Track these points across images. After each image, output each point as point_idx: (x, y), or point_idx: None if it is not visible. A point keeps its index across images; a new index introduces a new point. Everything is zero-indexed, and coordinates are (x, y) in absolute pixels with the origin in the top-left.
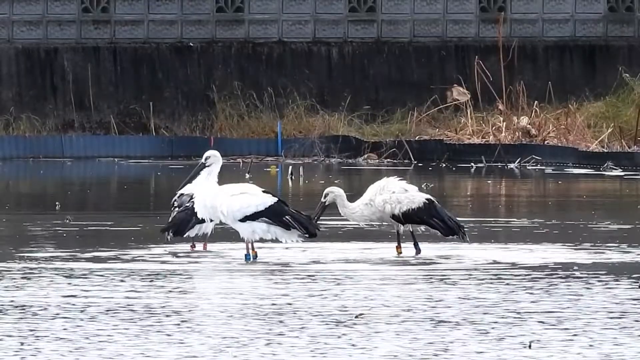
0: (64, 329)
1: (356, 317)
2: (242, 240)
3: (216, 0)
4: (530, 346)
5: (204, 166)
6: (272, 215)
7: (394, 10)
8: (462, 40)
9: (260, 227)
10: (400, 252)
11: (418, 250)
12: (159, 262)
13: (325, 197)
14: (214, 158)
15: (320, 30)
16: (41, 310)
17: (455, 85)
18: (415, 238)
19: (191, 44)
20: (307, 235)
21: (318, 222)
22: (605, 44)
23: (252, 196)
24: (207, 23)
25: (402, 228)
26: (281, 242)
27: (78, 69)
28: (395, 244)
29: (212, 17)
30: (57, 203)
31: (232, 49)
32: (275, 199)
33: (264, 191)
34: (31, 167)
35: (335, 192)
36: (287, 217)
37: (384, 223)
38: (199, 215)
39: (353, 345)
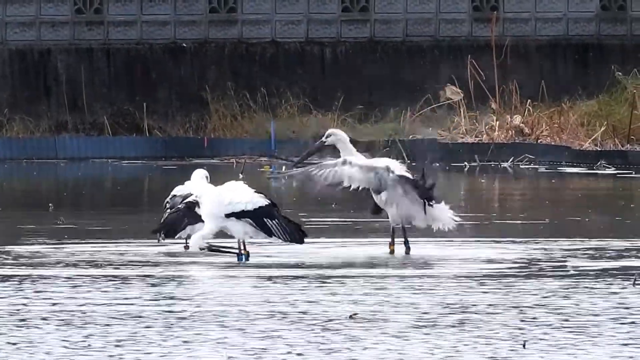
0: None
1: (350, 317)
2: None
3: (209, 0)
4: (524, 346)
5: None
6: (257, 217)
7: (387, 9)
8: (455, 40)
9: (249, 227)
10: (393, 251)
11: (408, 249)
12: (153, 265)
13: (327, 137)
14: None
15: (313, 30)
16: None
17: (448, 84)
18: (406, 235)
19: (184, 45)
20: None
21: (309, 157)
22: (597, 42)
23: (243, 194)
24: (200, 23)
25: (390, 213)
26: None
27: (71, 70)
28: (388, 241)
29: (205, 18)
30: (50, 204)
31: (225, 50)
32: (267, 201)
33: (255, 191)
34: (24, 169)
35: (339, 135)
36: (274, 220)
37: (360, 187)
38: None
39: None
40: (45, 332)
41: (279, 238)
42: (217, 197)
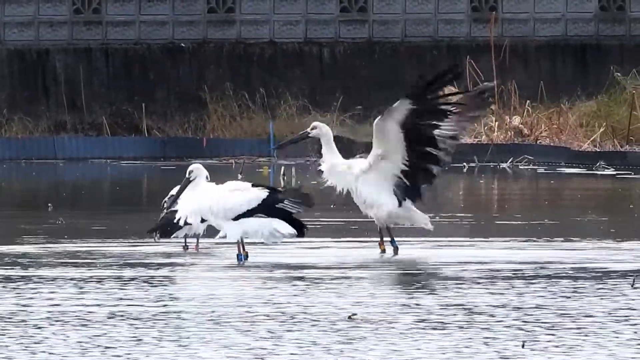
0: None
1: (349, 317)
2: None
3: (207, 1)
4: (523, 345)
5: (188, 181)
6: (267, 208)
7: (385, 10)
8: (454, 40)
9: (251, 226)
10: (384, 250)
11: (395, 249)
12: (154, 265)
13: (312, 129)
14: (197, 171)
15: (312, 31)
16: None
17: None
18: (392, 235)
19: (183, 45)
20: (303, 210)
21: (291, 144)
22: (596, 43)
23: (245, 192)
24: (199, 24)
25: (372, 215)
26: (267, 243)
27: (70, 70)
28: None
29: (203, 18)
30: (49, 204)
31: (224, 50)
32: (267, 192)
33: (253, 184)
34: (23, 169)
35: (322, 129)
36: (282, 203)
37: (345, 190)
38: (189, 220)
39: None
40: (46, 332)
41: (297, 212)
42: (219, 201)
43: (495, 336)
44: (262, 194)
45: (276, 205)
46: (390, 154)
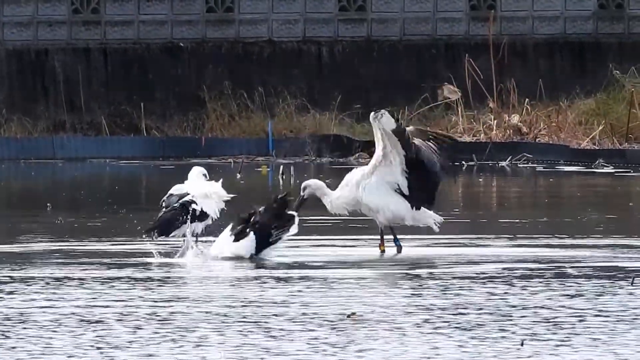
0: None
1: (348, 316)
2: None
3: (206, 0)
4: (522, 344)
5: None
6: (260, 247)
7: (384, 8)
8: (453, 38)
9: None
10: (384, 250)
11: (399, 247)
12: (155, 265)
13: (303, 190)
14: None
15: (311, 30)
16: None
17: (445, 83)
18: (395, 234)
19: (182, 44)
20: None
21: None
22: (595, 41)
23: (238, 244)
24: (198, 23)
25: (379, 218)
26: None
27: (69, 70)
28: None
29: (202, 17)
30: (48, 204)
31: (223, 49)
32: (253, 237)
33: (236, 234)
34: (22, 169)
35: (312, 185)
36: (271, 239)
37: (359, 209)
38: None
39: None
40: (50, 333)
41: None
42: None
43: (501, 335)
44: (248, 244)
45: (268, 240)
46: (391, 155)
